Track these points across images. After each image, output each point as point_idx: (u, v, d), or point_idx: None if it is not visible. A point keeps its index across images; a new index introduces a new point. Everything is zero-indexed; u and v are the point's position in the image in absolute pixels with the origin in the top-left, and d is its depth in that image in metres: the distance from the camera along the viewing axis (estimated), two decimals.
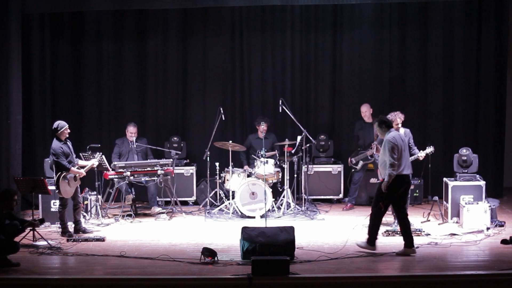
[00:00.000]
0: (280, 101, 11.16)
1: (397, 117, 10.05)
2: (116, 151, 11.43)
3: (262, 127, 11.48)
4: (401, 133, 9.63)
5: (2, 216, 8.53)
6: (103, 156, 10.63)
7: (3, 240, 8.41)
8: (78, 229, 9.92)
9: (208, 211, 11.29)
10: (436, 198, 11.35)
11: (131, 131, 11.35)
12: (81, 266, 8.41)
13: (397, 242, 9.14)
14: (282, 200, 11.28)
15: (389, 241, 9.32)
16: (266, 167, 10.92)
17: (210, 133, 11.44)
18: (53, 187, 9.91)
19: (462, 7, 12.21)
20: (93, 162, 10.17)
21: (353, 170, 11.47)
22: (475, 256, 8.70)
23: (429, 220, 10.53)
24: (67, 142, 9.83)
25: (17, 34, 11.36)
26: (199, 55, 12.49)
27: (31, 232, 9.28)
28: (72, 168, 9.75)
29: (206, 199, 11.57)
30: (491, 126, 12.34)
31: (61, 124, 9.78)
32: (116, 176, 10.88)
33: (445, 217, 10.55)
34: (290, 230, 8.63)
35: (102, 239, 9.53)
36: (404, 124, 10.30)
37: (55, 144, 9.71)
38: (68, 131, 9.81)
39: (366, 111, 11.58)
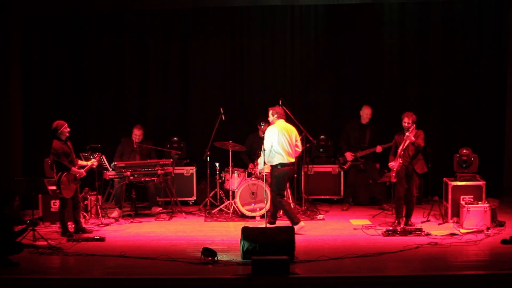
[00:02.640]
0: (280, 101, 11.14)
1: (405, 116, 9.89)
2: (120, 149, 11.43)
3: (264, 128, 11.46)
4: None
5: (4, 217, 8.54)
6: (103, 156, 10.63)
7: (6, 240, 8.41)
8: (78, 229, 9.91)
9: (208, 211, 11.29)
10: (436, 198, 11.36)
11: (136, 133, 11.35)
12: (81, 266, 8.40)
13: (397, 242, 9.16)
14: None
15: (389, 241, 9.32)
16: (266, 167, 10.91)
17: (210, 133, 11.43)
18: (53, 187, 9.91)
19: (462, 7, 12.21)
20: (92, 162, 10.17)
21: (347, 168, 11.63)
22: (475, 256, 8.68)
23: (429, 220, 10.52)
24: (67, 142, 9.83)
25: (18, 34, 11.37)
26: (199, 55, 12.49)
27: (31, 232, 9.27)
28: (73, 168, 9.75)
29: (206, 199, 11.57)
30: (491, 126, 12.33)
31: (60, 123, 9.78)
32: (116, 176, 10.88)
33: (445, 217, 10.55)
34: (290, 230, 8.63)
35: (102, 239, 9.54)
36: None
37: (56, 144, 9.70)
38: (68, 129, 9.80)
39: (369, 113, 11.54)
